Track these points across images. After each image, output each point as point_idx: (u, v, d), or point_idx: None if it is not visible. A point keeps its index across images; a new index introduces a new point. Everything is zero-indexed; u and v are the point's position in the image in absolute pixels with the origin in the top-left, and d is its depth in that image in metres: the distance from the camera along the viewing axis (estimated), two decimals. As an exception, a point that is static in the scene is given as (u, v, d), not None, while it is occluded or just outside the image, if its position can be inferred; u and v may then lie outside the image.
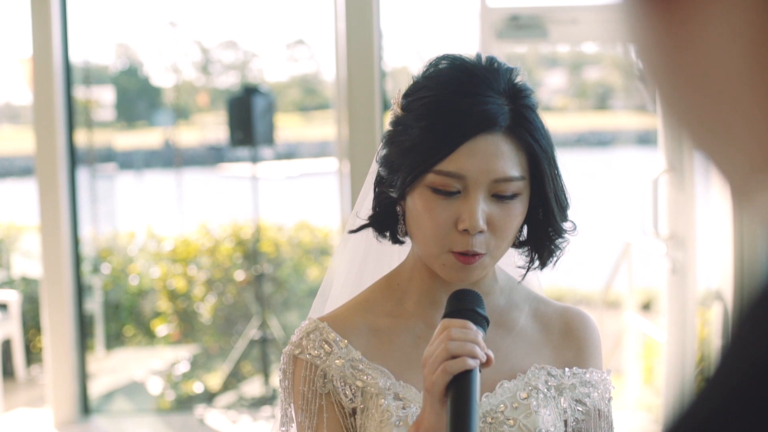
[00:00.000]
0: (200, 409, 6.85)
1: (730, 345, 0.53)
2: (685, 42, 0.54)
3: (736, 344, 0.53)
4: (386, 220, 1.76)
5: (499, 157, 1.62)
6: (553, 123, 1.72)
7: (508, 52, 6.13)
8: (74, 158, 6.51)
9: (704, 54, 0.53)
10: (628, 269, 6.58)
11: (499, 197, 1.64)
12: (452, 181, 1.62)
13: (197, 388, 7.33)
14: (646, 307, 7.93)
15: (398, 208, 1.73)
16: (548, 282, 1.86)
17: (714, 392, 0.52)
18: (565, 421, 1.77)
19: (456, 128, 1.61)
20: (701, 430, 0.52)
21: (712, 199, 5.21)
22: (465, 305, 1.59)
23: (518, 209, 1.66)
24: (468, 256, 1.64)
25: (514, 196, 1.64)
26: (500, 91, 1.64)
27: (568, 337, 1.83)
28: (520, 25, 5.80)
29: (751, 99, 0.52)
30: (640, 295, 7.24)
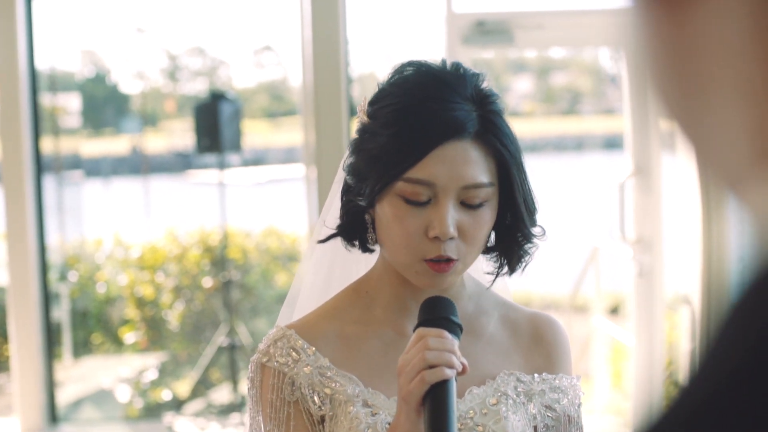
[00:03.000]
0: (169, 417, 6.82)
1: (711, 348, 0.53)
2: (686, 38, 0.55)
3: (717, 348, 0.53)
4: (355, 229, 1.75)
5: (468, 163, 1.61)
6: (520, 128, 1.73)
7: (474, 58, 6.14)
8: (40, 166, 6.47)
9: (702, 48, 0.54)
10: (596, 273, 6.61)
11: (468, 205, 1.63)
12: (422, 189, 1.61)
13: (166, 395, 7.29)
14: (614, 311, 7.97)
15: (367, 217, 1.72)
16: (516, 286, 1.85)
17: (692, 397, 0.52)
18: (535, 427, 1.77)
19: (424, 135, 1.60)
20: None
21: (679, 202, 5.24)
22: (439, 313, 1.59)
23: (487, 216, 1.65)
24: (441, 263, 1.63)
25: (483, 203, 1.64)
26: (467, 97, 1.63)
27: (537, 343, 1.82)
28: (486, 30, 5.81)
29: (745, 91, 0.53)
30: (608, 299, 7.27)
